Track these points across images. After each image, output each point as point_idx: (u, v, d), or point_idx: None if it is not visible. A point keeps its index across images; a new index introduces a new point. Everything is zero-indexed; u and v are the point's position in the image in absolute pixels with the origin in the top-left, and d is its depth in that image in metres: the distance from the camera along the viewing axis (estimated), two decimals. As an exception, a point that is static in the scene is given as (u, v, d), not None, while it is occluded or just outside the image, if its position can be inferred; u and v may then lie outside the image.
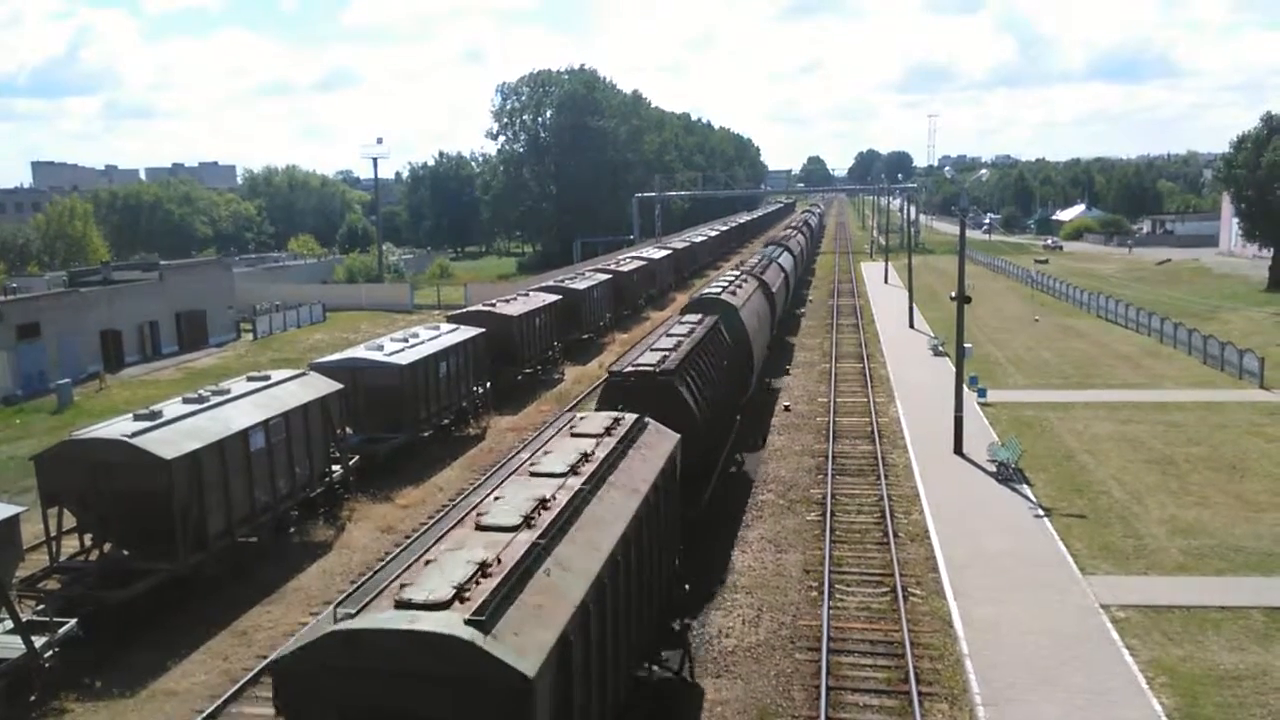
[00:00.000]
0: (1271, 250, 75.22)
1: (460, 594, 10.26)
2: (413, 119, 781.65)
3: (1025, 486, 27.44)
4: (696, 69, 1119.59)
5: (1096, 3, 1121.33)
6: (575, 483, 14.05)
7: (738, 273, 41.65)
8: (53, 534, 20.68)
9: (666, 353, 24.04)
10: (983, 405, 37.06)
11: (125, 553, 20.96)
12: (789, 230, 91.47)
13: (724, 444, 26.89)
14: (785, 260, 56.54)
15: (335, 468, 26.90)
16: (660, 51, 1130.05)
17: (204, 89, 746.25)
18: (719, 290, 34.55)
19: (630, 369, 22.90)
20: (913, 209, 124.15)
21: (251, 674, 18.13)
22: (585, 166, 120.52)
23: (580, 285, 53.89)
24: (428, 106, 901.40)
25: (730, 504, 26.50)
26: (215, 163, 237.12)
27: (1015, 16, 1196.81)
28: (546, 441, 16.66)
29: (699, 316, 29.63)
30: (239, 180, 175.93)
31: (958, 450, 30.61)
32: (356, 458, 28.13)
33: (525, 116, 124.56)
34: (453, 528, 12.48)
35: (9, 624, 17.21)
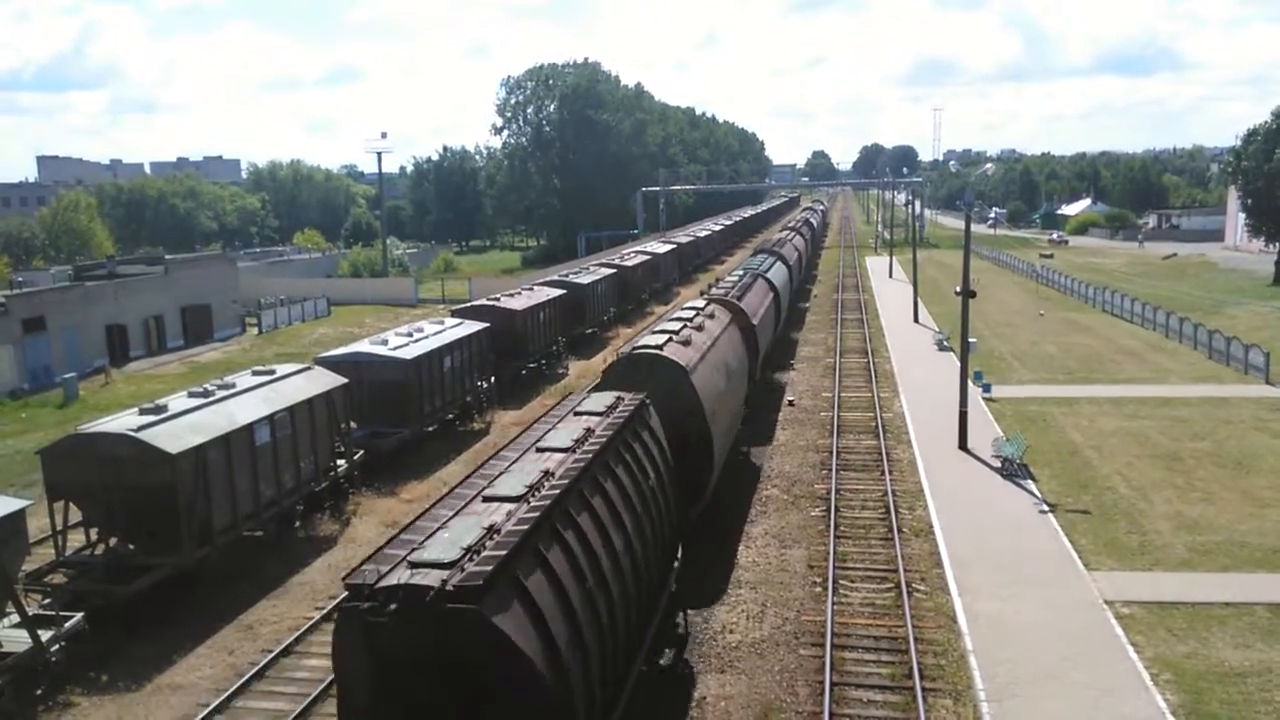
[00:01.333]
0: (1278, 245, 75.00)
1: None
2: (418, 113, 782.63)
3: (1030, 482, 27.41)
4: (702, 64, 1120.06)
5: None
6: None
7: (704, 303, 30.63)
8: (59, 528, 20.74)
9: (503, 510, 12.44)
10: (987, 400, 37.02)
11: (131, 547, 21.02)
12: (785, 232, 77.13)
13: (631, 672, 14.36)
14: (777, 273, 46.22)
15: (340, 462, 26.94)
16: (665, 47, 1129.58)
17: (209, 84, 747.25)
18: (662, 339, 23.32)
19: (396, 581, 10.45)
20: (917, 203, 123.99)
21: (257, 668, 18.20)
22: (589, 160, 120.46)
23: (584, 280, 53.88)
24: (433, 101, 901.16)
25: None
26: (220, 157, 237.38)
27: (1021, 10, 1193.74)
28: None
29: (612, 399, 18.15)
30: (244, 175, 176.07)
31: (962, 446, 30.57)
32: (361, 452, 28.17)
33: (529, 110, 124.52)
34: None
35: (15, 618, 17.27)
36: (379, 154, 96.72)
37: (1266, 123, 74.36)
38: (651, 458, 17.36)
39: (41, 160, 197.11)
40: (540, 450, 15.26)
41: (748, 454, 30.77)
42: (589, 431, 16.13)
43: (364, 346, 31.93)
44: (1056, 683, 16.82)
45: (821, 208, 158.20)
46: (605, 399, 18.51)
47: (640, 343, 23.79)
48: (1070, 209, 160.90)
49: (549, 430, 16.59)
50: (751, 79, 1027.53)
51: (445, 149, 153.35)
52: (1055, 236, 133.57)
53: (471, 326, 36.46)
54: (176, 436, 20.81)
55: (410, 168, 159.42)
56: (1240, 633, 18.62)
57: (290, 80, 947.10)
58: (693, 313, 28.11)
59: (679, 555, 18.45)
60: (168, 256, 65.59)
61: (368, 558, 11.46)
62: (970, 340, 32.77)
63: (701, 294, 36.79)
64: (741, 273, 42.20)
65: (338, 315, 68.60)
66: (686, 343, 23.84)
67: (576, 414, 17.67)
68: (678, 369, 21.85)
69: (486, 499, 13.05)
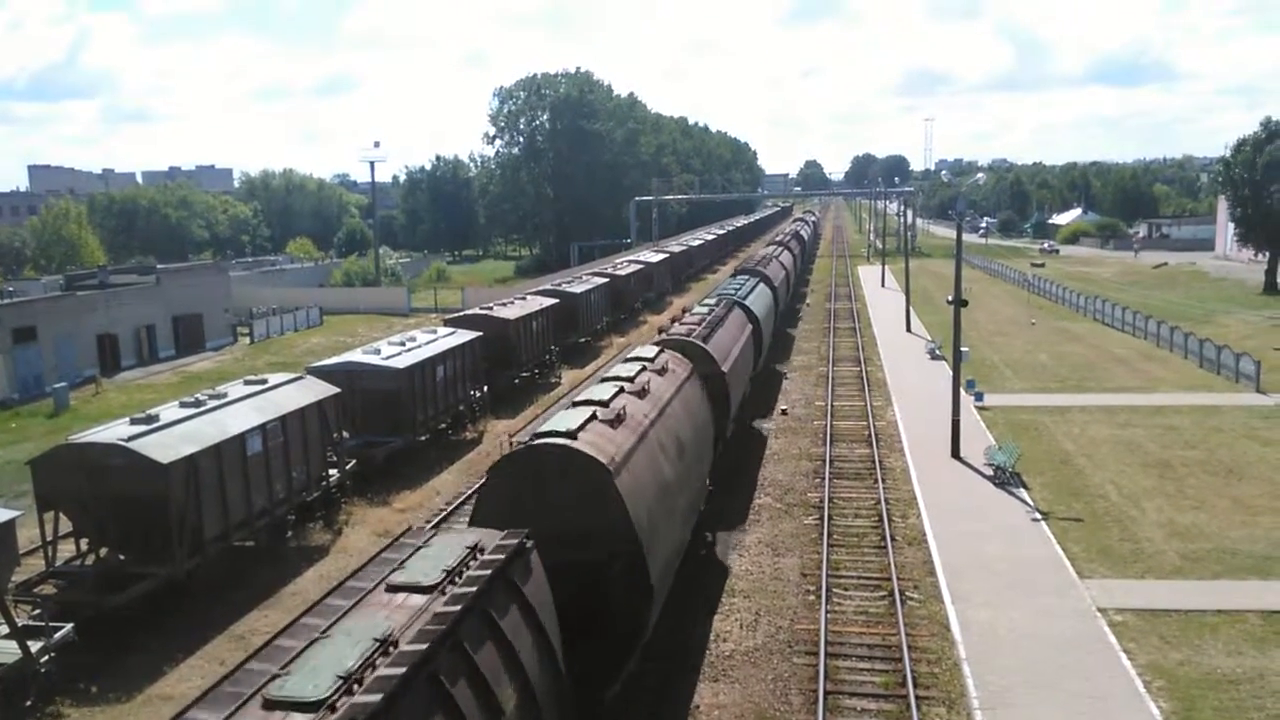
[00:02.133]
0: (1267, 254, 75.41)
1: None
2: (412, 123, 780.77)
3: (1022, 490, 27.45)
4: (696, 74, 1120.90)
5: (1094, 6, 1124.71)
6: None
7: (654, 352, 23.30)
8: (49, 538, 20.63)
9: None
10: (980, 409, 37.08)
11: (121, 557, 20.92)
12: (771, 247, 68.45)
13: None
14: (758, 299, 38.42)
15: (332, 471, 26.87)
16: (661, 56, 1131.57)
17: (202, 93, 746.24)
18: (581, 416, 16.42)
19: None
20: (909, 213, 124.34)
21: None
22: (582, 169, 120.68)
23: (577, 289, 53.92)
24: (428, 110, 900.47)
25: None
26: (212, 166, 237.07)
27: (1013, 21, 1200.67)
28: None
29: (459, 553, 11.54)
30: (236, 184, 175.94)
31: (955, 454, 30.61)
32: (354, 461, 28.10)
33: (522, 120, 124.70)
34: None
35: (5, 629, 17.15)
36: (371, 163, 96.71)
37: (1255, 133, 74.84)
38: (514, 661, 10.58)
39: (33, 169, 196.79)
40: (271, 707, 8.34)
41: (712, 546, 23.74)
42: (383, 647, 9.13)
43: (356, 356, 31.88)
44: (1050, 690, 16.82)
45: (813, 219, 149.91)
46: (449, 551, 11.53)
47: (548, 425, 16.22)
48: (1061, 218, 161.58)
49: (312, 644, 9.25)
50: (746, 89, 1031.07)
51: (438, 158, 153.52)
52: (1046, 246, 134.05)
53: (464, 336, 36.45)
54: (168, 446, 20.74)
55: (403, 177, 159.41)
56: (1232, 640, 18.65)
57: (283, 89, 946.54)
58: (637, 367, 20.96)
59: None
60: (159, 266, 65.42)
61: None
62: (962, 349, 32.82)
63: (660, 331, 29.37)
64: (714, 301, 35.20)
65: (330, 324, 68.49)
66: (617, 420, 16.76)
67: (390, 589, 10.63)
68: (596, 470, 14.90)
69: None
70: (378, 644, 9.12)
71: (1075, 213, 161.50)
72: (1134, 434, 33.32)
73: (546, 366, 46.41)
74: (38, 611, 19.07)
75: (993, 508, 26.25)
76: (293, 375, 27.81)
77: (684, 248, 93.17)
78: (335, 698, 8.26)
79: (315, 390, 26.63)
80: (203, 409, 23.07)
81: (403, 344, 33.25)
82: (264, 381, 26.14)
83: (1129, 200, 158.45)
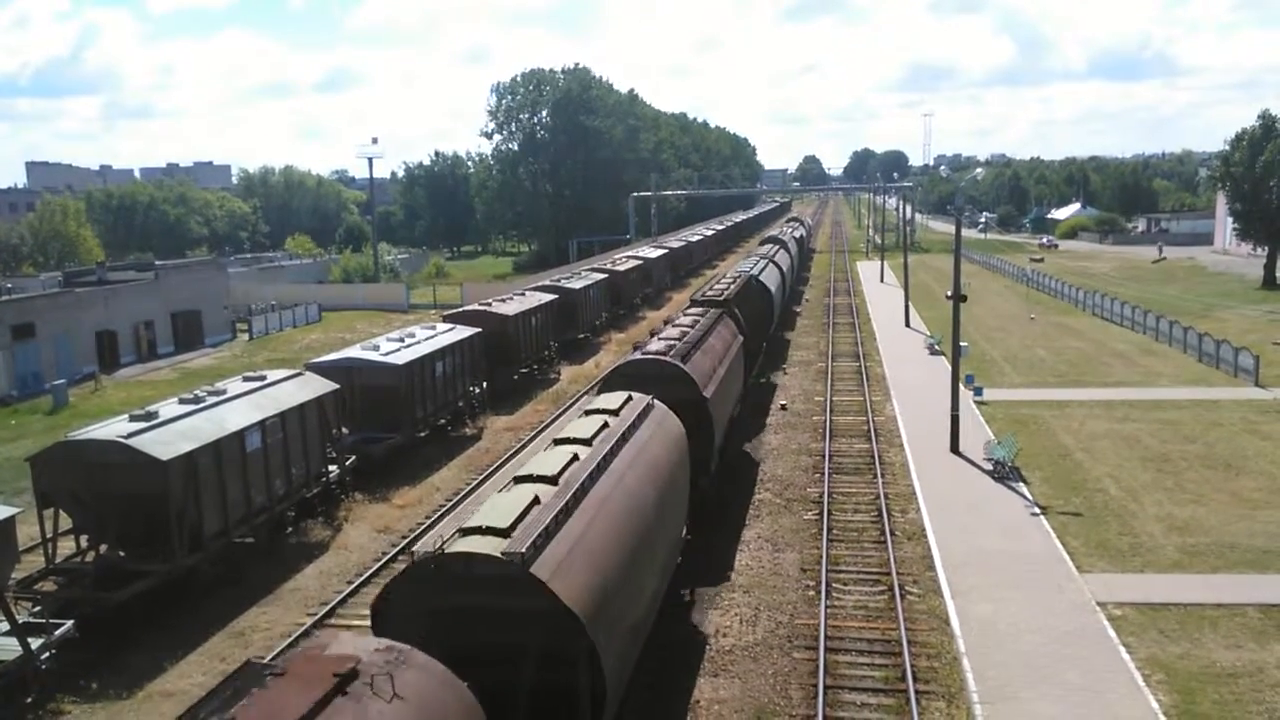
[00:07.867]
0: (1266, 249, 75.41)
1: None
2: (414, 119, 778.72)
3: (1021, 485, 27.47)
4: (698, 70, 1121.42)
5: (1095, 1, 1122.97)
6: None
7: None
8: (49, 535, 20.62)
9: None
10: (979, 404, 37.09)
11: (121, 554, 20.91)
12: (759, 257, 47.93)
13: None
14: (716, 347, 25.19)
15: (332, 468, 26.87)
16: (663, 53, 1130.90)
17: (204, 89, 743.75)
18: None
19: None
20: (908, 208, 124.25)
21: (248, 675, 18.10)
22: (581, 165, 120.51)
23: (576, 285, 53.89)
24: (430, 106, 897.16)
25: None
26: (210, 163, 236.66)
27: (1014, 16, 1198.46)
28: None
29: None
30: (234, 180, 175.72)
31: (954, 449, 30.62)
32: (353, 458, 28.10)
33: (521, 116, 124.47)
34: None
35: (5, 626, 17.16)
36: (370, 160, 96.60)
37: (1253, 127, 74.73)
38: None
39: (31, 166, 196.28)
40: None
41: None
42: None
43: (355, 352, 31.87)
44: (1049, 684, 16.84)
45: (801, 232, 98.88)
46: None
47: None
48: (1060, 213, 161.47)
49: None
50: (747, 84, 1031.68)
51: (437, 154, 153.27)
52: (1045, 241, 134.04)
53: (463, 332, 36.43)
54: (167, 443, 20.73)
55: (401, 173, 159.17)
56: (1231, 633, 18.68)
57: (284, 86, 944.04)
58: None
59: None
60: (158, 262, 65.41)
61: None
62: (961, 344, 32.84)
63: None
64: (624, 401, 19.12)
65: (329, 321, 68.48)
66: None
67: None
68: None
69: None
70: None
71: (1074, 208, 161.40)
72: (1133, 428, 33.34)
73: (545, 362, 46.40)
74: (38, 608, 19.04)
75: (992, 502, 26.27)
76: (292, 371, 27.80)
77: (683, 243, 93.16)
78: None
79: (314, 386, 26.62)
80: (202, 405, 23.06)
81: (402, 340, 33.23)
82: (263, 378, 26.13)
83: (1128, 195, 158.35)
